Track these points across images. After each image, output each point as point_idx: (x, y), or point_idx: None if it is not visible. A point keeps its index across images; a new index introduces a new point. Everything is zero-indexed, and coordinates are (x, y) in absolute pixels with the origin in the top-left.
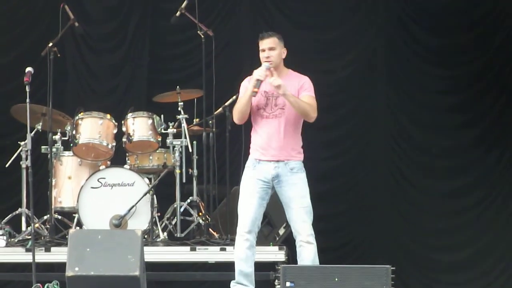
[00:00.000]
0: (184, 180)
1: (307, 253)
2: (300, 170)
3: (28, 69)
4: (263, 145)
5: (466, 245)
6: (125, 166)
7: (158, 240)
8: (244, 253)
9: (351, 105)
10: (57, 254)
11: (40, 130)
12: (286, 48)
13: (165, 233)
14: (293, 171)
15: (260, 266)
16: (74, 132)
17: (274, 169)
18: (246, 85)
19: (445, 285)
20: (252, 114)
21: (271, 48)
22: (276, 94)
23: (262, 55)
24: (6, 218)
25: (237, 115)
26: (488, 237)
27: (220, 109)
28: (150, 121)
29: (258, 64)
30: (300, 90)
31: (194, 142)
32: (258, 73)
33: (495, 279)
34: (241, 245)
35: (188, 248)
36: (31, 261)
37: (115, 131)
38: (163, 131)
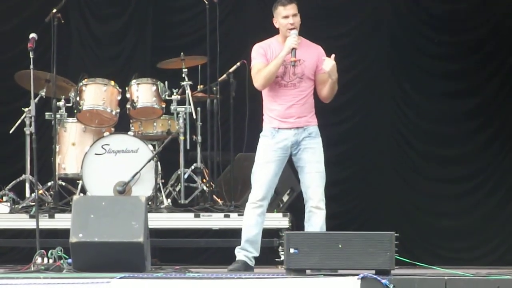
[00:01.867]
0: (188, 147)
1: (317, 219)
2: (317, 135)
3: (32, 35)
4: (283, 114)
5: (469, 211)
6: (129, 132)
7: (162, 206)
8: (254, 219)
9: (355, 71)
10: (61, 221)
11: (44, 97)
12: None
13: (169, 200)
14: (312, 136)
15: (264, 233)
16: (78, 98)
17: (294, 135)
18: (261, 52)
19: (448, 251)
20: None
21: (294, 14)
22: (297, 63)
23: (285, 22)
24: (10, 185)
25: (263, 82)
26: (492, 203)
27: (224, 75)
28: (154, 87)
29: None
30: (320, 63)
31: (198, 109)
32: (292, 42)
33: (498, 245)
34: (253, 211)
35: (192, 214)
36: (35, 227)
37: (119, 97)
38: (167, 97)
